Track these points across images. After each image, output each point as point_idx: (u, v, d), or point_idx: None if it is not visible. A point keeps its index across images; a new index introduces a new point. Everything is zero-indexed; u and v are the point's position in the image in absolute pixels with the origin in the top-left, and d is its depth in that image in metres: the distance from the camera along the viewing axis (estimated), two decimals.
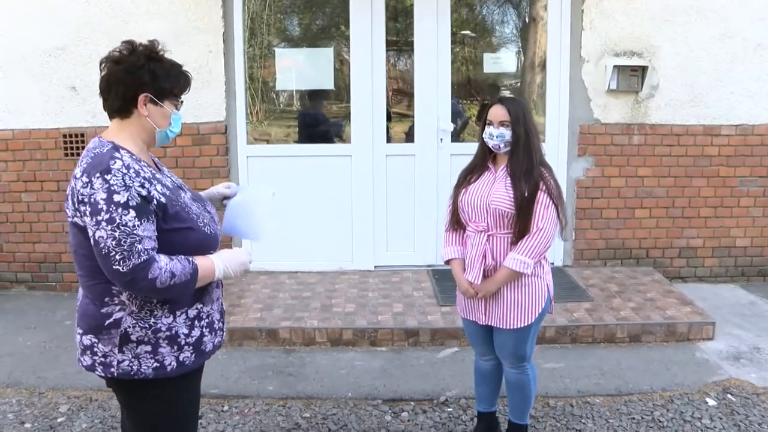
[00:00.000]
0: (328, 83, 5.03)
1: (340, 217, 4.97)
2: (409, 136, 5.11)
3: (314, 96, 5.22)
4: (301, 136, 5.20)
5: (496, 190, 2.56)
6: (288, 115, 5.38)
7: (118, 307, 1.80)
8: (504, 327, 2.61)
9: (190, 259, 1.80)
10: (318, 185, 4.92)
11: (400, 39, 5.14)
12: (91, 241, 1.71)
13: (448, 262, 2.75)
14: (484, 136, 2.62)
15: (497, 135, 2.56)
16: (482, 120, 2.65)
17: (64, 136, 4.78)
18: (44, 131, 4.80)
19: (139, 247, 1.69)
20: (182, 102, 1.93)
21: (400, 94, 5.33)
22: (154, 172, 1.84)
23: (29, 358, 3.85)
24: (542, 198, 2.50)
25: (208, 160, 4.81)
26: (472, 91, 5.42)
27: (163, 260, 1.73)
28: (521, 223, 2.50)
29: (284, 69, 5.03)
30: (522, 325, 2.60)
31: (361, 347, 3.93)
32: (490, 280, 2.57)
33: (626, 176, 4.92)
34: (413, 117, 4.97)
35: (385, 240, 5.01)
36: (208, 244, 1.90)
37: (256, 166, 4.91)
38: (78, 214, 1.74)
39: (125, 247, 1.67)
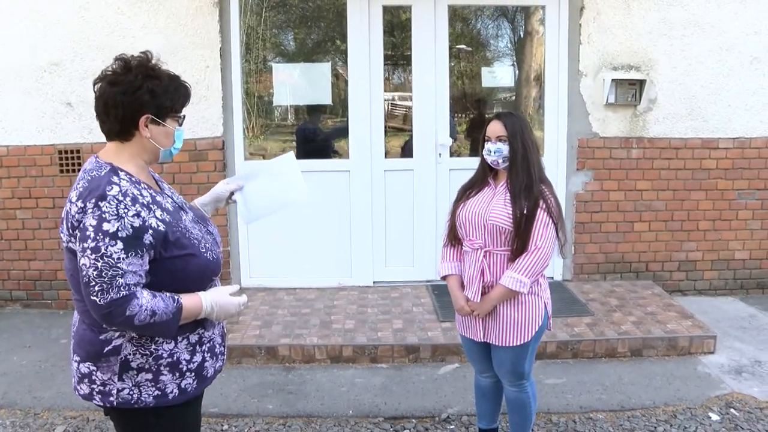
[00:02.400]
0: (325, 98, 5.03)
1: (339, 233, 4.94)
2: (405, 151, 5.11)
3: (311, 111, 5.21)
4: (299, 151, 5.18)
5: (494, 205, 2.54)
6: (285, 130, 5.36)
7: (117, 333, 1.75)
8: (501, 344, 2.59)
9: (176, 297, 1.73)
10: (316, 201, 4.88)
11: (395, 53, 5.15)
12: (78, 266, 1.66)
13: (445, 278, 2.73)
14: (483, 152, 2.60)
15: (495, 150, 2.54)
16: (482, 136, 2.64)
17: (60, 152, 4.74)
18: (39, 147, 4.76)
19: (120, 281, 1.62)
20: (184, 116, 1.86)
21: (396, 109, 5.33)
22: (154, 194, 1.78)
23: (24, 378, 3.79)
24: (542, 216, 2.48)
25: (206, 176, 4.78)
26: (467, 105, 5.43)
27: (144, 297, 1.66)
28: (519, 241, 2.48)
29: (281, 84, 5.03)
30: (519, 343, 2.57)
31: (361, 364, 3.89)
32: (486, 298, 2.54)
33: (625, 190, 4.91)
34: (410, 131, 4.96)
35: (384, 256, 4.98)
36: (209, 271, 1.84)
37: None
38: (72, 240, 1.69)
39: (105, 279, 1.61)
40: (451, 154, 5.02)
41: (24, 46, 4.66)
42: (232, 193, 2.20)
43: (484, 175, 2.65)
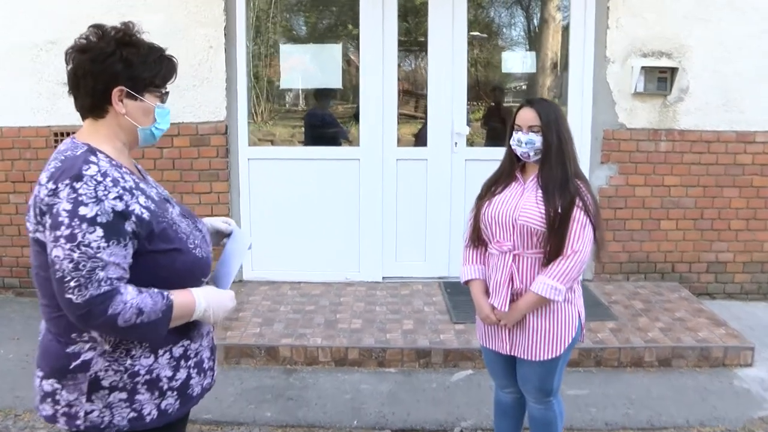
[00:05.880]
0: (335, 82, 4.75)
1: (347, 225, 4.67)
2: (418, 139, 4.83)
3: (321, 95, 4.94)
4: (307, 138, 4.92)
5: (524, 203, 2.26)
6: (292, 116, 5.10)
7: (87, 345, 1.49)
8: (529, 358, 2.32)
9: (165, 293, 1.49)
10: (323, 190, 4.62)
11: (409, 38, 4.87)
12: (49, 260, 1.42)
13: (467, 283, 2.45)
14: (511, 142, 2.32)
15: (526, 141, 2.26)
16: (510, 124, 2.36)
17: (56, 134, 4.50)
18: (34, 129, 4.53)
19: (101, 274, 1.39)
20: (167, 92, 1.63)
21: (407, 95, 5.06)
22: (137, 180, 1.55)
23: (8, 374, 3.56)
24: (578, 215, 2.20)
25: (207, 162, 4.52)
26: (482, 93, 5.15)
27: (130, 293, 1.43)
28: (553, 243, 2.21)
29: (289, 67, 4.76)
30: (549, 357, 2.31)
31: (367, 368, 3.63)
32: (515, 307, 2.27)
33: (652, 185, 4.60)
34: (421, 119, 4.69)
35: (394, 250, 4.71)
36: (198, 269, 1.60)
37: (258, 169, 4.62)
38: (40, 228, 1.45)
39: (83, 273, 1.38)
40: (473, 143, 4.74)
41: (19, 23, 4.42)
42: (224, 236, 1.90)
43: (511, 168, 2.37)
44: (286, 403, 3.26)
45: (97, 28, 1.54)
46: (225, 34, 4.42)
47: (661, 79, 4.41)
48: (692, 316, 4.11)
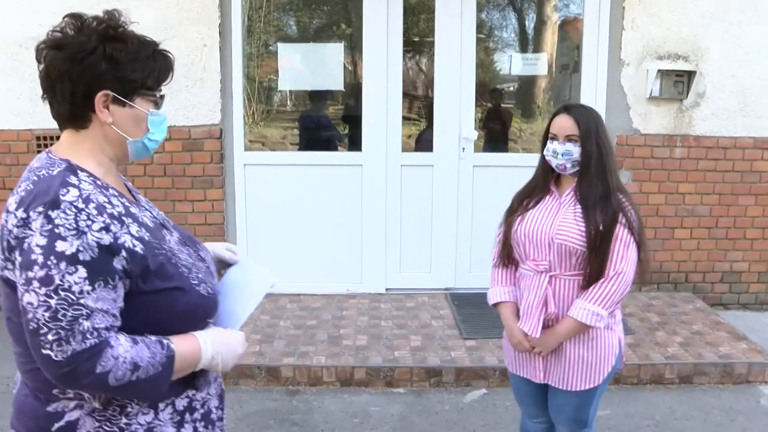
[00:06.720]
0: (336, 83, 4.52)
1: (349, 235, 4.44)
2: (420, 143, 4.62)
3: (316, 97, 4.71)
4: (305, 142, 4.68)
5: (562, 220, 2.05)
6: (290, 118, 4.86)
7: (72, 403, 1.23)
8: (565, 388, 2.12)
9: (165, 341, 1.24)
10: (324, 198, 4.39)
11: (414, 38, 4.65)
12: (20, 306, 1.16)
13: (496, 305, 2.24)
14: (545, 152, 2.11)
15: (563, 152, 2.05)
16: (544, 132, 2.15)
17: (38, 138, 4.24)
18: (15, 132, 4.25)
19: (86, 324, 1.13)
20: (162, 96, 1.33)
21: (408, 97, 4.84)
22: (128, 204, 1.28)
23: None
24: (621, 233, 2.00)
25: (201, 168, 4.27)
26: (485, 95, 4.95)
27: (122, 345, 1.17)
28: (594, 264, 2.00)
29: (287, 67, 4.51)
30: (587, 387, 2.11)
31: (375, 388, 3.41)
32: (551, 333, 2.06)
33: (666, 192, 4.43)
34: (422, 122, 4.50)
35: (398, 260, 4.49)
36: (202, 311, 1.33)
37: (254, 176, 4.37)
38: (9, 266, 1.19)
39: (63, 324, 1.12)
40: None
41: None
42: (225, 265, 1.60)
43: (545, 180, 2.16)
44: (290, 429, 3.03)
45: (75, 18, 1.25)
46: (220, 32, 4.17)
47: (677, 83, 4.23)
48: (711, 330, 3.94)
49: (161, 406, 1.30)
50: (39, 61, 1.25)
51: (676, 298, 4.48)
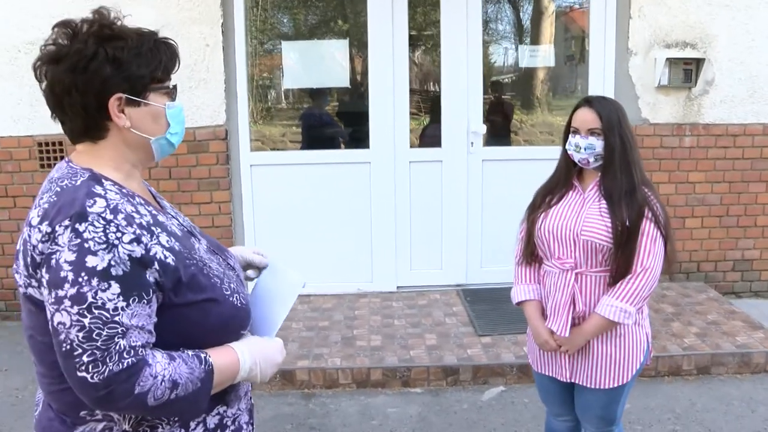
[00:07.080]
0: (341, 80, 4.46)
1: (358, 233, 4.39)
2: (423, 139, 4.56)
3: (318, 94, 4.65)
4: (312, 141, 4.62)
5: (588, 216, 2.01)
6: (290, 116, 4.80)
7: (101, 426, 1.18)
8: (593, 386, 2.09)
9: (203, 355, 1.18)
10: (332, 196, 4.34)
11: (418, 32, 4.59)
12: (50, 327, 1.10)
13: (520, 304, 2.20)
14: (567, 147, 2.07)
15: (585, 146, 2.01)
16: (566, 126, 2.11)
17: (39, 144, 4.18)
18: (15, 139, 4.19)
19: (122, 343, 1.08)
20: (175, 86, 1.27)
21: (414, 92, 4.78)
22: (155, 213, 1.22)
23: None
24: (648, 228, 1.96)
25: (207, 170, 4.22)
26: (491, 87, 4.90)
27: (160, 362, 1.12)
28: (621, 260, 1.96)
29: (292, 65, 4.46)
30: (615, 385, 2.07)
31: (392, 389, 3.37)
32: (578, 331, 2.03)
33: (676, 182, 4.39)
34: (424, 117, 4.44)
35: (409, 257, 4.45)
36: (237, 322, 1.27)
37: (261, 176, 4.32)
38: (34, 283, 1.13)
39: (99, 344, 1.07)
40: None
41: None
42: (251, 267, 1.53)
43: (568, 175, 2.11)
44: None
45: (65, 25, 1.16)
46: (223, 32, 4.11)
47: (685, 71, 4.19)
48: (726, 319, 3.91)
49: (192, 425, 1.24)
50: (39, 80, 1.17)
51: (688, 287, 4.45)
